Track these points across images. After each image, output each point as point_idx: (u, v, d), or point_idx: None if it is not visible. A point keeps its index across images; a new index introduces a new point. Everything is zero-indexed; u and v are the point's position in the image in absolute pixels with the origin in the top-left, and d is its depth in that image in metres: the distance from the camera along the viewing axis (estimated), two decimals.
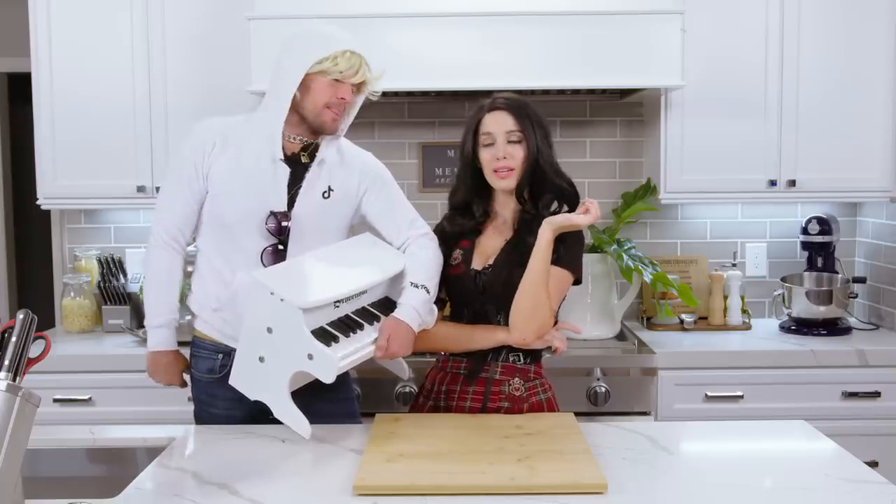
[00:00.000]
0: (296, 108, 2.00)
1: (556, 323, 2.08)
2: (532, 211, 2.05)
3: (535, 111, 2.05)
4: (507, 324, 2.02)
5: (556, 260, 2.00)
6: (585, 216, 1.95)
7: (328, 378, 1.74)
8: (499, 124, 2.02)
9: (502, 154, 2.01)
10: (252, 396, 1.86)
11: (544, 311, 1.97)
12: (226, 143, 2.03)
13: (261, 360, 1.81)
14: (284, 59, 2.00)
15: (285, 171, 2.02)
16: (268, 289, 1.78)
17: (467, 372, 2.06)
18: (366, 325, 1.89)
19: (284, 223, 1.99)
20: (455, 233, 2.13)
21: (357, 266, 1.99)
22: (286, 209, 2.01)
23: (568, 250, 2.01)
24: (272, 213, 1.99)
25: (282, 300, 1.75)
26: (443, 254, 2.09)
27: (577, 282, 2.08)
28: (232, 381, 1.89)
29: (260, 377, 1.82)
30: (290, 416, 1.80)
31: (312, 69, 1.96)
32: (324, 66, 1.95)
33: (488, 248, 2.09)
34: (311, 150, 2.06)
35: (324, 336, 1.78)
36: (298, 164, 2.04)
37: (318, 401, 2.07)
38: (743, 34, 2.96)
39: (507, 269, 2.02)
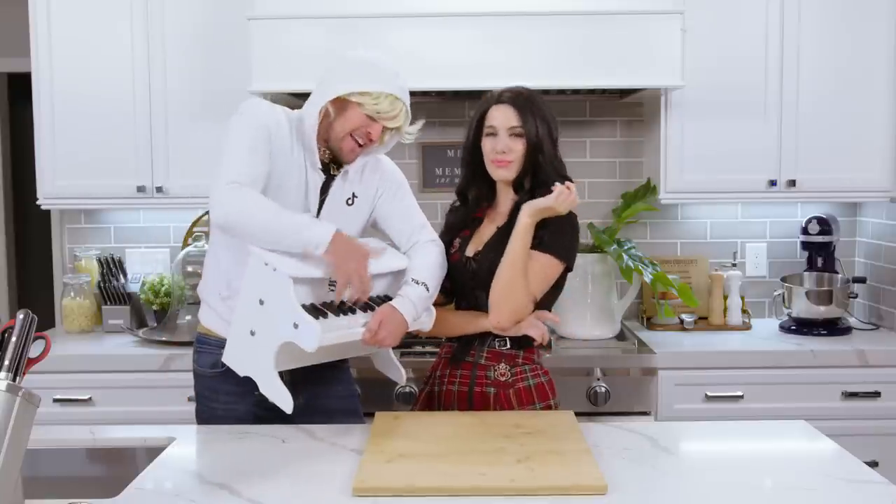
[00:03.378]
0: (325, 124, 1.99)
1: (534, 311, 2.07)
2: (526, 199, 2.05)
3: (540, 106, 2.07)
4: None
5: (539, 245, 2.01)
6: (564, 202, 1.95)
7: (310, 347, 1.75)
8: (502, 119, 2.05)
9: (502, 147, 2.04)
10: (241, 372, 1.88)
11: (519, 295, 1.98)
12: (273, 137, 1.99)
13: (252, 333, 1.84)
14: (329, 76, 1.98)
15: (321, 178, 2.02)
16: (262, 260, 1.82)
17: (452, 356, 2.11)
18: (359, 311, 1.91)
19: None
20: (457, 221, 2.18)
21: None
22: (316, 216, 2.02)
23: (553, 235, 2.02)
24: None
25: (274, 270, 1.80)
26: (444, 242, 2.13)
27: (569, 269, 2.08)
28: (224, 359, 1.92)
29: (250, 351, 1.85)
30: (275, 389, 1.82)
31: (353, 97, 1.94)
32: (364, 100, 1.93)
33: (482, 235, 2.13)
34: (335, 159, 2.06)
35: (313, 310, 1.81)
36: (327, 174, 2.04)
37: (322, 398, 2.11)
38: (743, 34, 2.96)
39: (493, 255, 2.04)
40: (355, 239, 1.97)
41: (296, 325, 1.76)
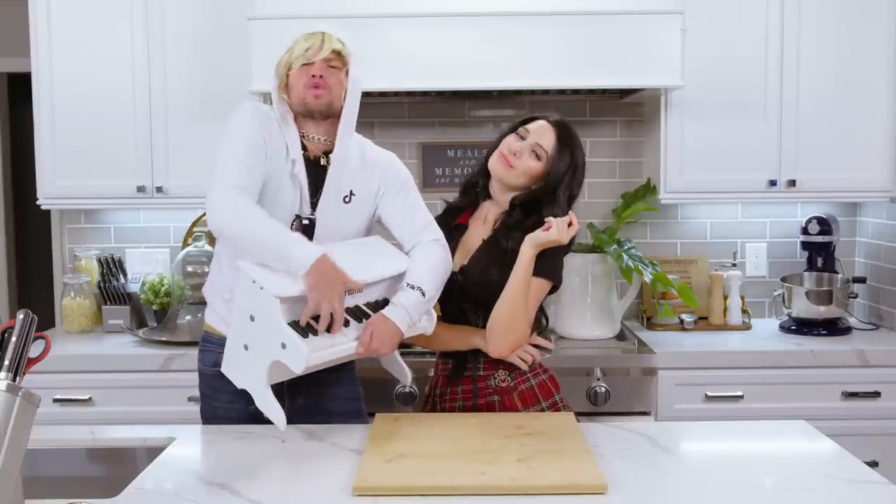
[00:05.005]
0: (294, 108, 2.02)
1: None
2: (517, 217, 2.05)
3: (578, 152, 2.06)
4: (485, 324, 2.04)
5: (534, 271, 2.00)
6: (566, 233, 1.96)
7: (297, 368, 1.74)
8: (540, 133, 2.04)
9: (517, 150, 2.03)
10: (238, 385, 1.88)
11: (522, 326, 1.99)
12: (268, 140, 2.00)
13: (245, 348, 1.83)
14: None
15: (304, 172, 2.01)
16: (251, 277, 1.80)
17: (450, 373, 2.10)
18: (353, 322, 1.88)
19: (306, 223, 2.00)
20: (456, 207, 2.16)
21: (352, 264, 1.99)
22: (311, 212, 2.01)
23: (546, 259, 2.01)
24: (297, 217, 1.99)
25: (261, 288, 1.78)
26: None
27: (556, 287, 2.08)
28: (223, 369, 1.91)
29: (244, 365, 1.85)
30: (268, 405, 1.81)
31: (283, 67, 2.00)
32: (288, 58, 2.00)
33: (467, 246, 2.11)
34: (332, 151, 2.05)
35: (302, 328, 1.79)
36: (319, 167, 2.03)
37: (325, 400, 2.10)
38: (743, 34, 2.96)
39: (481, 268, 2.04)
40: (339, 270, 1.84)
41: (283, 345, 1.74)
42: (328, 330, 1.81)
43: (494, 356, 2.02)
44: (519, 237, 2.01)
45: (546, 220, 1.98)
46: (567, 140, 2.04)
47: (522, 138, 2.04)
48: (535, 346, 2.08)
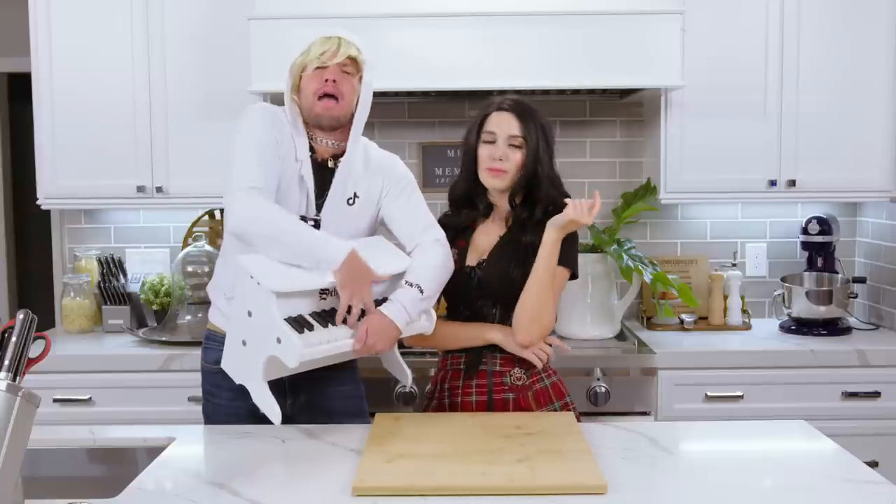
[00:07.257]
0: (304, 111, 2.03)
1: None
2: (524, 213, 2.06)
3: (541, 118, 2.06)
4: (501, 319, 2.06)
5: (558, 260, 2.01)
6: (587, 214, 1.94)
7: (290, 363, 1.75)
8: (503, 126, 2.04)
9: (499, 155, 2.03)
10: (237, 380, 1.89)
11: (549, 313, 2.01)
12: (279, 140, 2.02)
13: (243, 343, 1.85)
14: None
15: (311, 174, 2.01)
16: (248, 273, 1.82)
17: (466, 366, 2.09)
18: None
19: (311, 224, 2.01)
20: (459, 224, 2.14)
21: None
22: (316, 213, 2.02)
23: (566, 248, 2.02)
24: (303, 218, 2.00)
25: (258, 284, 1.80)
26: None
27: (574, 276, 2.09)
28: (223, 365, 1.93)
29: (243, 361, 1.86)
30: (264, 400, 1.82)
31: (297, 69, 2.01)
32: (303, 60, 2.00)
33: (481, 244, 2.11)
34: (340, 155, 2.06)
35: (298, 323, 1.80)
36: (326, 169, 2.04)
37: (328, 399, 2.10)
38: (743, 34, 2.96)
39: (501, 263, 2.04)
40: (366, 265, 1.90)
41: (278, 340, 1.76)
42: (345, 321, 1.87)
43: (524, 344, 2.01)
44: (534, 229, 2.02)
45: (565, 200, 1.98)
46: (526, 113, 2.04)
47: (494, 142, 2.04)
48: (550, 345, 2.08)
